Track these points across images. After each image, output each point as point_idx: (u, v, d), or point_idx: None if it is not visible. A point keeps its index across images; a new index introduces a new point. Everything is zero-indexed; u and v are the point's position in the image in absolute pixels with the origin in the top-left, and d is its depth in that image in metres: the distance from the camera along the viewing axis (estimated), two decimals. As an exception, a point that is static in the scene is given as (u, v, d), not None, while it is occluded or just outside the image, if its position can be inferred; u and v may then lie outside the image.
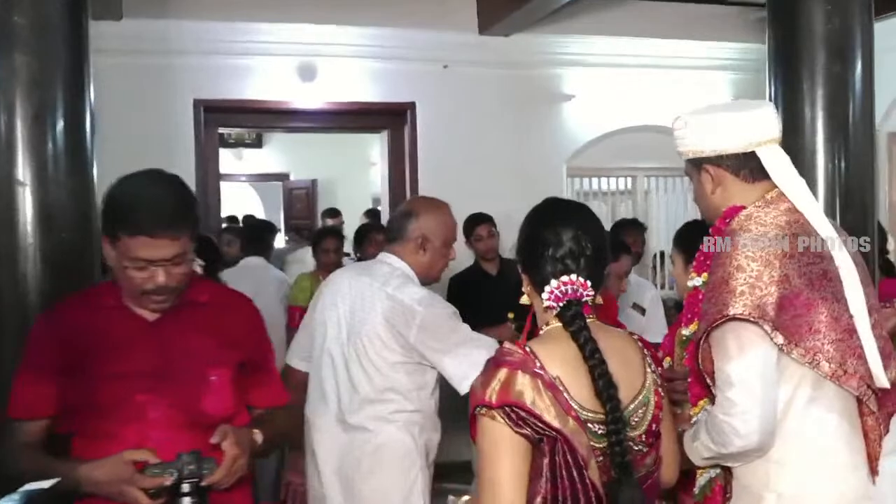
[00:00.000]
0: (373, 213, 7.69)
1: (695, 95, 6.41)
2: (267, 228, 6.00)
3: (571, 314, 1.63)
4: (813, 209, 1.91)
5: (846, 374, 1.80)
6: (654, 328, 4.33)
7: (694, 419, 1.95)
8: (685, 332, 2.05)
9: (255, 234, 5.64)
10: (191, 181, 5.40)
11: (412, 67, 5.81)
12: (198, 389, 1.89)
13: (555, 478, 1.54)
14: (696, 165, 1.97)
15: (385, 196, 6.10)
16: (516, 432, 1.54)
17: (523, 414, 1.54)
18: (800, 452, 1.84)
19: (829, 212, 3.05)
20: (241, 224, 7.78)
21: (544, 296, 1.66)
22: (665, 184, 6.94)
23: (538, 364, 1.58)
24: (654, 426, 1.68)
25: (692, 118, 1.96)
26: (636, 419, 1.65)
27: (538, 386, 1.55)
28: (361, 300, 2.61)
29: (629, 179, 6.78)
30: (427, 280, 2.72)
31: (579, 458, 1.54)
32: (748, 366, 1.78)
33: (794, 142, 2.95)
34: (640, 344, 1.76)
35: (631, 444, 1.61)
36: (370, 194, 9.54)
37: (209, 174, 5.61)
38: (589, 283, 1.66)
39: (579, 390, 1.58)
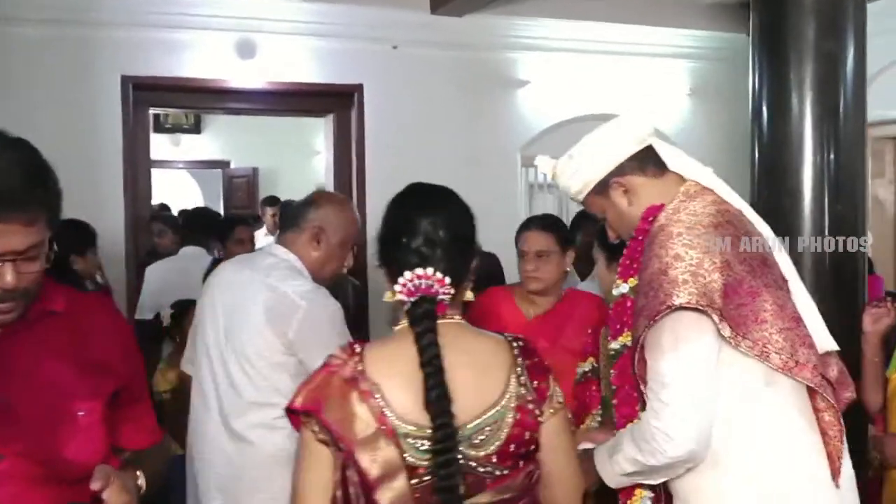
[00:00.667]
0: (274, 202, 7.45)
1: (653, 84, 6.24)
2: (205, 215, 5.61)
3: (420, 312, 1.48)
4: (729, 192, 1.88)
5: (798, 364, 1.71)
6: None
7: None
8: (614, 345, 1.91)
9: (192, 223, 5.26)
10: (117, 165, 5.06)
11: (359, 47, 5.47)
12: (58, 431, 1.43)
13: (346, 494, 1.44)
14: (602, 190, 1.92)
15: (329, 185, 5.75)
16: (318, 440, 1.46)
17: (319, 421, 1.45)
18: (755, 461, 1.72)
19: (818, 204, 2.82)
20: (173, 213, 7.29)
21: (397, 288, 1.50)
22: (621, 175, 6.72)
23: (360, 369, 1.48)
24: (512, 447, 1.50)
25: (574, 151, 1.95)
26: (481, 437, 1.48)
27: (348, 393, 1.46)
28: (242, 295, 2.41)
29: (584, 170, 6.52)
30: (316, 279, 2.50)
31: (366, 477, 1.42)
32: (685, 362, 1.67)
33: (780, 128, 2.70)
34: (516, 352, 1.55)
35: (474, 464, 1.46)
36: (314, 183, 9.17)
37: (139, 158, 5.19)
38: (447, 278, 1.50)
39: (404, 401, 1.45)
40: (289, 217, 2.58)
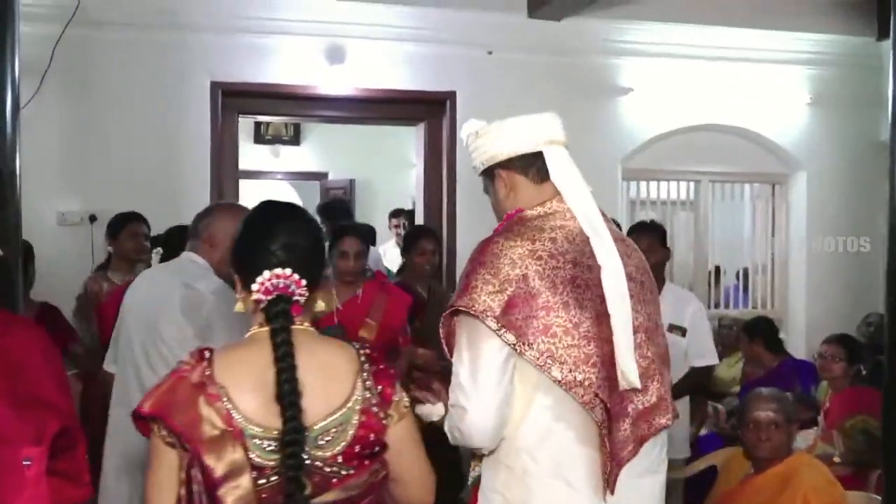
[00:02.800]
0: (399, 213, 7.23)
1: (769, 92, 5.78)
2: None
3: (277, 310, 1.56)
4: (589, 215, 1.90)
5: (575, 381, 1.78)
6: (697, 350, 3.75)
7: None
8: None
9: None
10: (205, 172, 4.98)
11: (452, 52, 5.25)
12: (3, 486, 1.24)
13: (189, 493, 1.47)
14: (490, 174, 2.01)
15: (420, 197, 5.54)
16: (166, 443, 1.50)
17: (166, 425, 1.49)
18: (528, 461, 1.83)
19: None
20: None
21: (254, 287, 1.58)
22: (731, 190, 6.27)
23: (208, 373, 1.52)
24: (357, 448, 1.57)
25: (483, 128, 2.02)
26: (327, 439, 1.54)
27: (195, 397, 1.49)
28: (160, 293, 2.71)
29: (691, 184, 6.10)
30: (223, 277, 2.70)
31: (211, 476, 1.45)
32: (472, 366, 1.78)
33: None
34: (363, 359, 1.64)
35: (320, 464, 1.53)
36: (409, 196, 9.01)
37: (226, 165, 5.10)
38: (303, 280, 1.60)
39: (252, 402, 1.51)
40: (191, 228, 2.88)
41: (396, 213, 7.31)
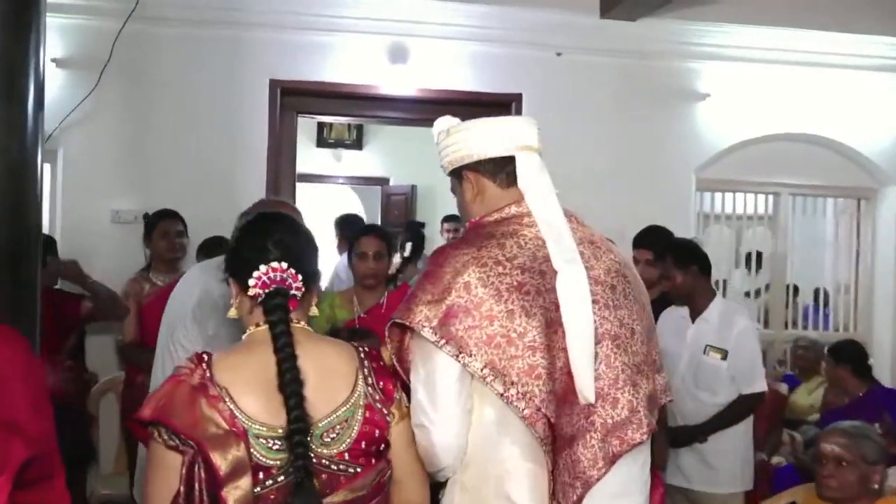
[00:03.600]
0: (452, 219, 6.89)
1: (859, 100, 5.42)
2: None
3: (276, 303, 1.57)
4: (551, 221, 1.84)
5: (517, 394, 1.69)
6: (743, 375, 3.44)
7: None
8: None
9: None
10: (261, 171, 4.85)
11: (520, 53, 5.03)
12: None
13: (189, 492, 1.45)
14: (458, 175, 1.95)
15: (481, 201, 5.30)
16: (168, 447, 1.48)
17: (169, 428, 1.47)
18: (477, 477, 1.77)
19: None
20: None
21: (251, 282, 1.59)
22: (813, 204, 5.90)
23: (208, 374, 1.52)
24: (363, 444, 1.56)
25: (455, 126, 1.94)
26: (332, 435, 1.54)
27: (196, 399, 1.49)
28: (184, 291, 2.64)
29: (769, 198, 5.75)
30: None
31: (217, 474, 1.44)
32: (428, 382, 1.72)
33: None
34: (362, 356, 1.66)
35: (326, 462, 1.53)
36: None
37: (284, 165, 4.95)
38: (300, 276, 1.61)
39: (254, 401, 1.51)
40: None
41: (450, 218, 6.97)
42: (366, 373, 1.62)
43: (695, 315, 3.59)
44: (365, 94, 4.93)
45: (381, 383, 1.63)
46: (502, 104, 5.05)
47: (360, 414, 1.58)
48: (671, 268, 3.57)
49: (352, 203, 11.16)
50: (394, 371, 1.75)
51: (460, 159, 1.92)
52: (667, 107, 5.20)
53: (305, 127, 9.43)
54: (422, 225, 6.79)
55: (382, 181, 9.79)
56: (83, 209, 4.62)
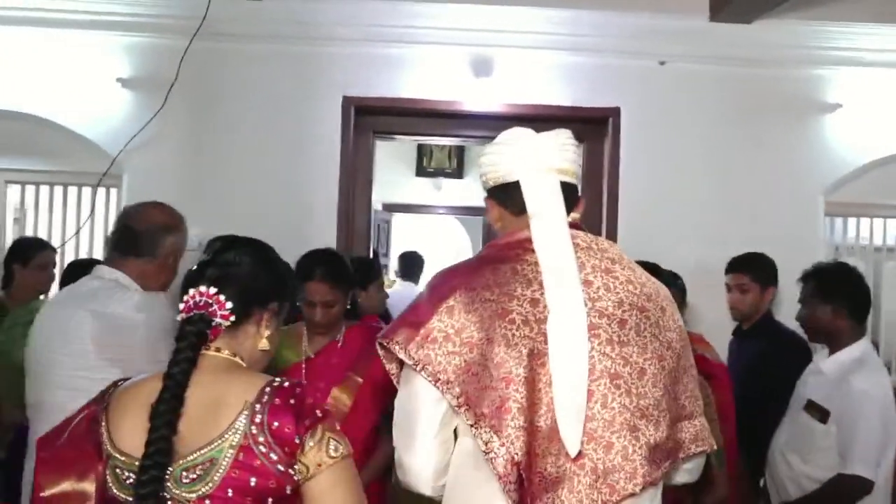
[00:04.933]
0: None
1: None
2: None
3: (188, 329, 1.49)
4: (552, 247, 1.72)
5: (485, 427, 1.60)
6: (845, 449, 2.73)
7: None
8: None
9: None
10: (333, 197, 4.51)
11: (618, 63, 4.51)
12: None
13: None
14: (486, 197, 1.92)
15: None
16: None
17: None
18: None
19: None
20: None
21: (181, 306, 1.54)
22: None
23: (108, 394, 1.53)
24: (229, 492, 1.39)
25: (485, 149, 1.89)
26: (192, 476, 1.39)
27: (80, 420, 1.50)
28: (57, 336, 2.29)
29: (914, 223, 4.98)
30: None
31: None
32: (406, 405, 1.70)
33: None
34: (267, 390, 1.44)
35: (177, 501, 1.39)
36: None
37: (357, 191, 4.59)
38: (229, 303, 1.52)
39: (128, 428, 1.44)
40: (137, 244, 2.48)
41: None
42: (257, 408, 1.42)
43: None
44: (446, 112, 4.52)
45: (276, 423, 1.41)
46: (598, 120, 4.55)
47: (228, 455, 1.40)
48: (812, 296, 2.99)
49: (455, 233, 10.81)
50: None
51: (483, 185, 1.89)
52: (789, 120, 4.55)
53: (405, 155, 9.17)
54: None
55: (484, 211, 9.36)
56: (147, 236, 4.37)
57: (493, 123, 4.64)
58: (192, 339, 1.48)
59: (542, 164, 1.80)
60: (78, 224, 4.54)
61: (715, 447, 1.82)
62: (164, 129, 4.33)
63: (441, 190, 9.37)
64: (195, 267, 1.59)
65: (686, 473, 1.81)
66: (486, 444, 1.60)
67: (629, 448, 1.65)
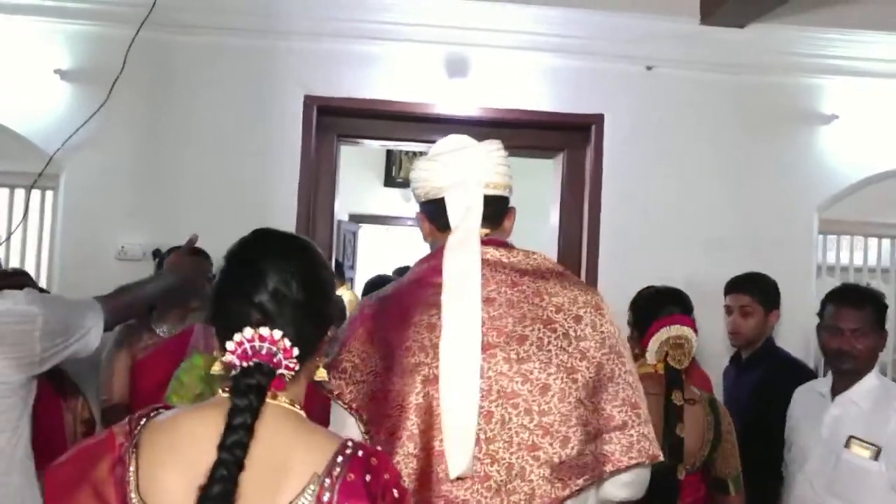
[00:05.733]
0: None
1: None
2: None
3: (249, 383, 1.22)
4: (455, 265, 1.69)
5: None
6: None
7: None
8: None
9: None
10: (291, 206, 4.14)
11: (602, 66, 4.21)
12: None
13: None
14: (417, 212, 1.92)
15: (553, 243, 4.48)
16: None
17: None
18: None
19: None
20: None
21: (229, 347, 1.24)
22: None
23: (137, 427, 1.26)
24: None
25: (415, 163, 1.87)
26: None
27: (100, 464, 1.24)
28: None
29: (908, 244, 4.73)
30: None
31: None
32: (332, 428, 1.64)
33: None
34: (339, 459, 1.22)
35: None
36: (544, 247, 7.96)
37: (319, 200, 4.23)
38: (296, 349, 1.25)
39: (168, 489, 1.20)
40: None
41: None
42: (326, 484, 1.20)
43: (837, 392, 2.67)
44: (417, 115, 4.18)
45: None
46: (581, 126, 4.24)
47: None
48: (871, 325, 2.68)
49: (425, 246, 10.46)
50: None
51: (415, 199, 1.87)
52: (783, 131, 4.28)
53: (373, 164, 8.82)
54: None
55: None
56: (85, 242, 3.98)
57: (468, 129, 4.28)
58: (253, 398, 1.21)
59: (469, 177, 1.77)
60: (9, 229, 4.12)
61: (661, 457, 1.70)
62: (107, 127, 3.94)
63: (410, 201, 9.01)
64: (231, 292, 1.29)
65: (625, 487, 1.69)
66: None
67: (527, 469, 1.62)
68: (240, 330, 1.24)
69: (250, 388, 1.22)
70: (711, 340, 3.72)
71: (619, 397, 1.67)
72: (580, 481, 1.62)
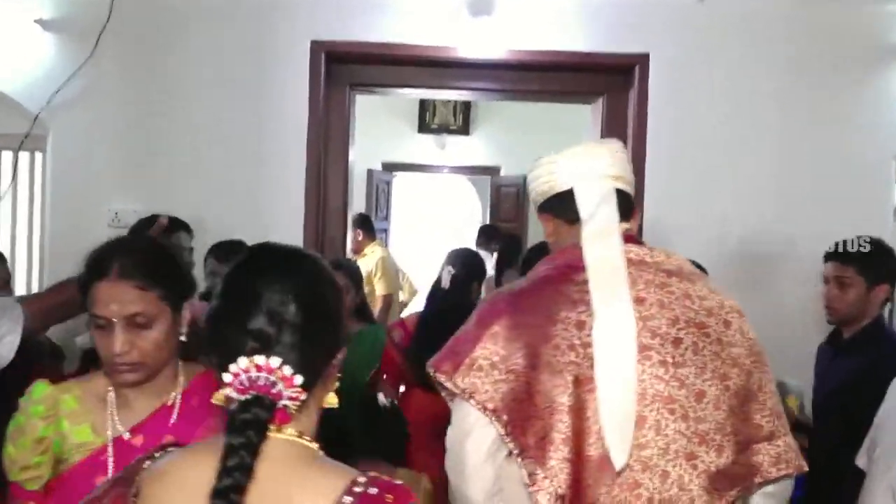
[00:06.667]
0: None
1: None
2: None
3: (245, 419, 1.09)
4: (601, 261, 1.65)
5: (528, 458, 1.57)
6: None
7: None
8: None
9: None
10: (300, 163, 3.75)
11: (646, 1, 3.70)
12: None
13: None
14: (538, 213, 1.87)
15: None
16: None
17: None
18: None
19: None
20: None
21: (226, 378, 1.11)
22: None
23: (137, 474, 1.16)
24: None
25: (535, 165, 1.84)
26: None
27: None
28: None
29: None
30: None
31: None
32: (453, 432, 1.66)
33: None
34: (347, 500, 1.08)
35: None
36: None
37: (331, 155, 3.84)
38: (298, 377, 1.11)
39: None
40: None
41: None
42: None
43: None
44: (437, 59, 3.73)
45: None
46: (622, 69, 3.77)
47: None
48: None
49: (465, 194, 10.05)
50: None
51: (534, 201, 1.84)
52: (856, 69, 3.74)
53: (405, 111, 8.39)
54: (518, 240, 5.74)
55: (492, 171, 8.64)
56: (76, 208, 3.66)
57: (495, 73, 3.87)
58: (250, 434, 1.08)
59: (596, 171, 1.74)
60: (-2, 195, 3.82)
61: (805, 468, 1.68)
62: (94, 82, 3.60)
63: (445, 148, 8.63)
64: (224, 318, 1.15)
65: (769, 499, 1.68)
66: (530, 475, 1.58)
67: (685, 477, 1.60)
68: (234, 360, 1.11)
69: (247, 424, 1.10)
70: (777, 315, 3.29)
71: (766, 407, 1.66)
72: (733, 492, 1.62)
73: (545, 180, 1.79)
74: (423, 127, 8.52)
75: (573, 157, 1.77)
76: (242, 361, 1.11)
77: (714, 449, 1.61)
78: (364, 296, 3.49)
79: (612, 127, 3.84)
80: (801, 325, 3.50)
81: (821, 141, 3.72)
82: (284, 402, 1.12)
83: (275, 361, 1.11)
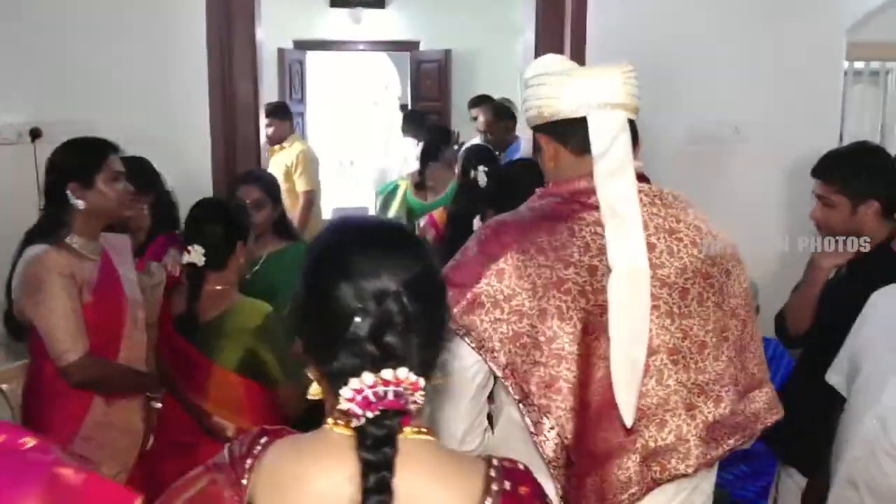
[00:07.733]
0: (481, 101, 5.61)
1: None
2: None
3: (380, 437, 1.02)
4: (617, 202, 1.57)
5: (532, 406, 1.54)
6: None
7: None
8: None
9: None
10: (200, 39, 3.16)
11: None
12: None
13: None
14: (537, 132, 1.74)
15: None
16: None
17: None
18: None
19: None
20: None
21: (345, 393, 1.01)
22: None
23: (243, 487, 1.08)
24: None
25: (531, 79, 1.69)
26: None
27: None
28: None
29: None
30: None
31: None
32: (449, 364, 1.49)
33: None
34: (494, 488, 1.08)
35: None
36: (518, 70, 7.27)
37: (233, 25, 3.34)
38: (422, 380, 1.03)
39: None
40: None
41: (478, 101, 5.63)
42: None
43: None
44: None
45: None
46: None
47: None
48: None
49: (386, 71, 9.59)
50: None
51: (533, 119, 1.70)
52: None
53: (315, -19, 7.83)
54: (446, 132, 5.41)
55: (411, 46, 8.23)
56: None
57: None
58: (387, 450, 1.02)
59: (610, 99, 1.60)
60: None
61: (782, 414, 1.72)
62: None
63: (360, 23, 8.12)
64: (344, 331, 1.03)
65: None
66: (535, 424, 1.54)
67: (683, 427, 1.60)
68: (355, 374, 1.02)
69: (383, 441, 1.03)
70: (735, 199, 3.10)
71: (756, 355, 1.69)
72: (731, 441, 1.64)
73: (549, 102, 1.63)
74: (335, 0, 7.97)
75: (584, 81, 1.61)
76: (368, 378, 1.01)
77: (713, 399, 1.62)
78: (283, 209, 3.14)
79: (549, 15, 3.49)
80: (756, 215, 3.33)
81: (766, 26, 3.47)
82: (410, 405, 1.06)
83: (402, 372, 1.02)
